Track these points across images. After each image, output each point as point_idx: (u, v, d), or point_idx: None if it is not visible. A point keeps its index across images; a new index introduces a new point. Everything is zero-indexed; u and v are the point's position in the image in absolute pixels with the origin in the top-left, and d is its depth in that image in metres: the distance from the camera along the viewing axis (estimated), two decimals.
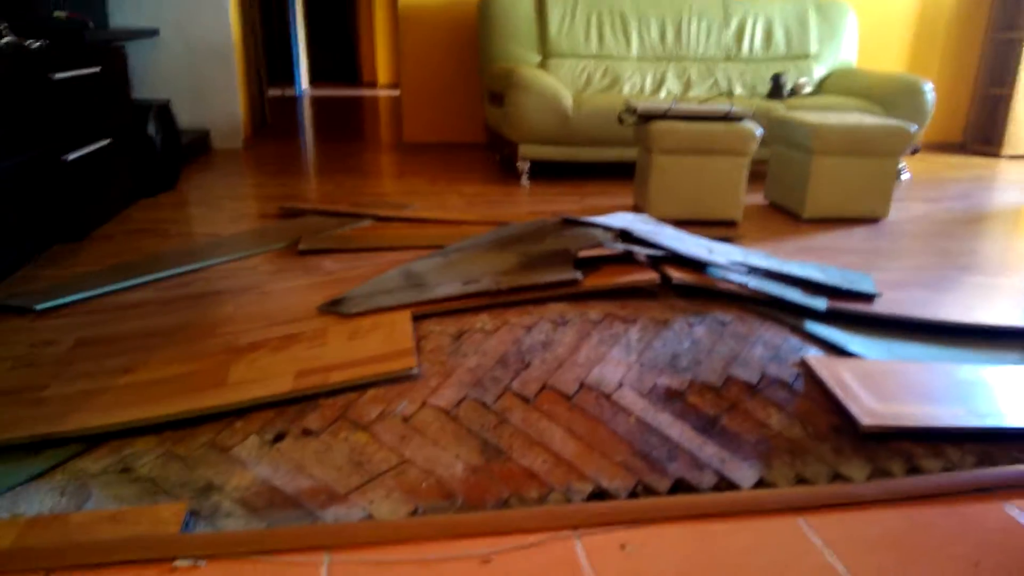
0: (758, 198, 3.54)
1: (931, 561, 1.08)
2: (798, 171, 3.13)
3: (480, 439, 1.28)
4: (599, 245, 1.74)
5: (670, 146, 2.89)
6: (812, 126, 2.97)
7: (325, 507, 1.15)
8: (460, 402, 1.34)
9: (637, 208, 3.21)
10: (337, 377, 1.35)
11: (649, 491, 1.22)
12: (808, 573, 1.05)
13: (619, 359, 1.48)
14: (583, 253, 1.75)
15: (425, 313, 1.58)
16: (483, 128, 4.87)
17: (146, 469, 1.22)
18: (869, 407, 1.39)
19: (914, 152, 4.16)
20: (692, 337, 1.57)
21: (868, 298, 1.89)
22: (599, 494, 1.21)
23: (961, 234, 3.00)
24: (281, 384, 1.35)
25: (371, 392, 1.36)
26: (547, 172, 3.95)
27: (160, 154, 3.11)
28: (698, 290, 1.76)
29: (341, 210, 2.89)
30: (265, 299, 1.80)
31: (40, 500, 1.15)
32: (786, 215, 3.24)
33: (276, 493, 1.17)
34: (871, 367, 1.53)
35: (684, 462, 1.27)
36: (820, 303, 1.74)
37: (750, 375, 1.47)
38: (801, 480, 1.28)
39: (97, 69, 2.52)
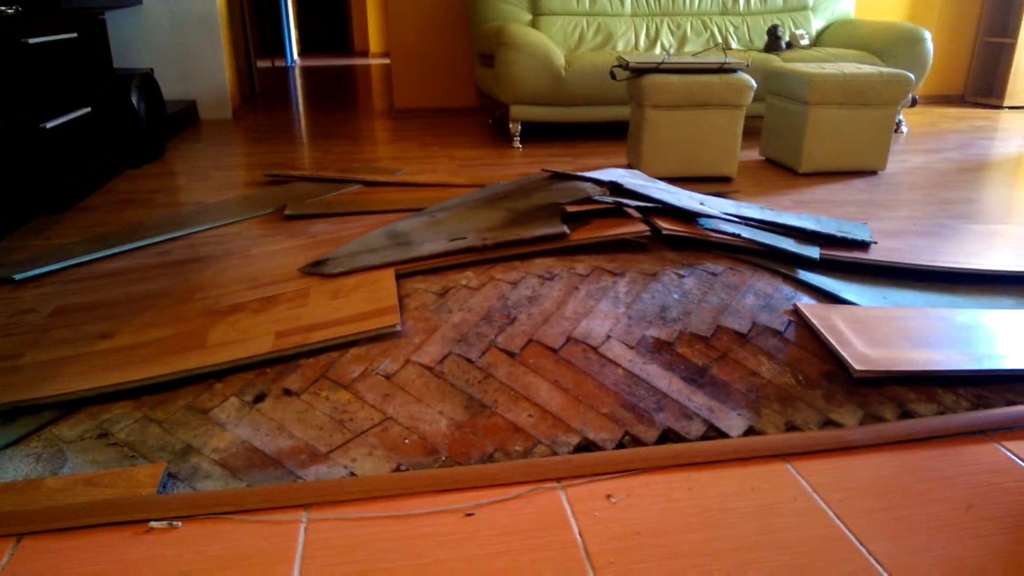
0: (753, 154, 3.48)
1: (922, 504, 1.06)
2: (794, 124, 3.07)
3: (464, 395, 1.25)
4: (588, 199, 1.70)
5: (663, 100, 2.83)
6: (808, 76, 2.90)
7: (306, 466, 1.13)
8: (444, 358, 1.31)
9: (630, 166, 3.15)
10: (318, 336, 1.33)
11: (637, 441, 1.19)
12: (796, 517, 1.03)
13: (607, 312, 1.45)
14: (571, 208, 1.71)
15: (409, 271, 1.55)
16: (474, 92, 4.79)
17: (123, 434, 1.20)
18: (862, 353, 1.36)
19: (913, 104, 4.08)
20: (682, 288, 1.54)
21: (864, 246, 1.85)
22: (586, 446, 1.18)
23: (960, 184, 2.95)
24: (261, 345, 1.32)
25: (353, 351, 1.33)
26: (539, 133, 3.88)
27: (144, 124, 3.05)
28: (689, 241, 1.73)
29: (328, 175, 2.84)
30: (248, 263, 1.77)
31: (15, 467, 1.13)
32: (782, 170, 3.19)
33: (256, 453, 1.15)
34: (864, 314, 1.50)
35: (672, 412, 1.25)
36: (813, 252, 1.71)
37: (741, 324, 1.44)
38: (792, 427, 1.26)
39: (74, 35, 2.45)
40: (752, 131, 3.92)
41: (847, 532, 0.99)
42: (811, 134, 3.01)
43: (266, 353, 1.30)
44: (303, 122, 4.39)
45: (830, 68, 3.03)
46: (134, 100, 2.97)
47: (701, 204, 1.85)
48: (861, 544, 0.97)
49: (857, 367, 1.31)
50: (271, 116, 4.55)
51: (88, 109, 2.49)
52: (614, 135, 3.88)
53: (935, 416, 1.27)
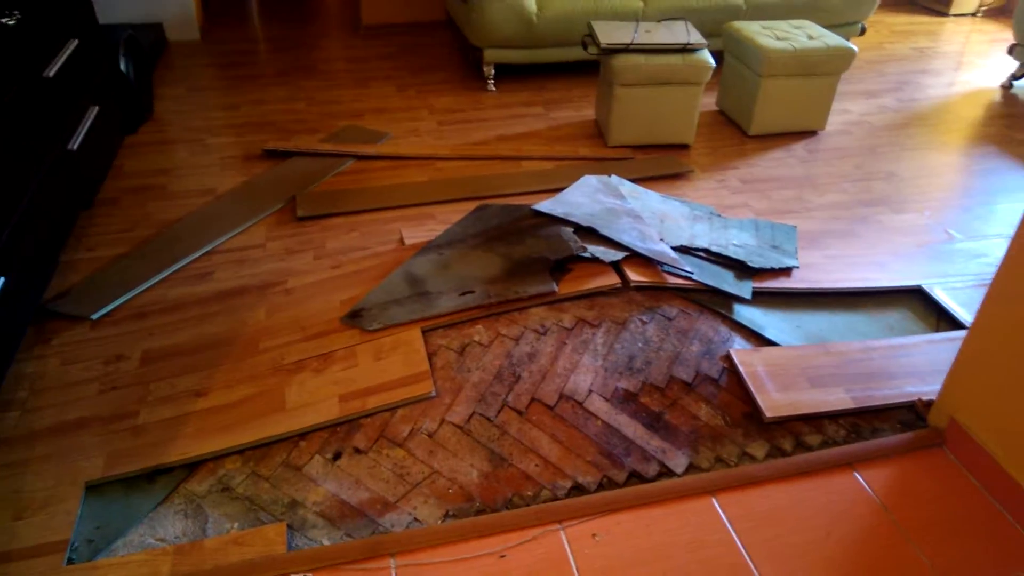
0: (710, 101, 3.77)
1: (800, 531, 1.61)
2: (748, 90, 3.37)
3: (487, 450, 1.72)
4: (571, 253, 2.08)
5: (631, 80, 3.09)
6: (763, 51, 3.17)
7: (382, 514, 1.61)
8: (470, 418, 1.77)
9: (598, 124, 3.44)
10: (373, 403, 1.76)
11: (612, 483, 1.70)
12: (715, 547, 1.57)
13: (588, 365, 1.90)
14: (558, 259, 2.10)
15: (432, 327, 1.95)
16: (442, 6, 4.81)
17: (241, 488, 1.64)
18: (772, 400, 1.86)
19: (862, 33, 4.35)
20: (645, 336, 1.99)
21: (787, 271, 2.30)
22: (577, 487, 1.69)
23: (887, 149, 3.35)
24: (329, 409, 1.75)
25: (400, 412, 1.77)
26: (512, 73, 4.06)
27: (135, 88, 3.17)
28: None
29: (324, 150, 3.08)
30: (290, 301, 2.13)
31: (172, 524, 1.58)
32: (734, 128, 3.53)
33: (345, 505, 1.62)
34: (780, 355, 1.99)
35: (636, 456, 1.75)
36: (747, 290, 2.16)
37: (687, 374, 1.92)
38: (719, 460, 1.78)
39: (75, 43, 2.54)
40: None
41: (748, 560, 1.54)
42: (762, 101, 3.33)
43: (336, 418, 1.73)
44: (269, 46, 4.41)
45: (782, 40, 3.28)
46: (123, 67, 3.07)
47: (661, 239, 2.25)
48: (756, 570, 1.52)
49: (768, 415, 1.82)
50: (237, 37, 4.54)
51: (97, 108, 2.65)
52: (583, 74, 4.08)
53: (817, 451, 1.80)
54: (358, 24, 4.82)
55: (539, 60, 3.86)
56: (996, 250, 2.58)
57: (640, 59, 3.06)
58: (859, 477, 1.75)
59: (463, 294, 2.02)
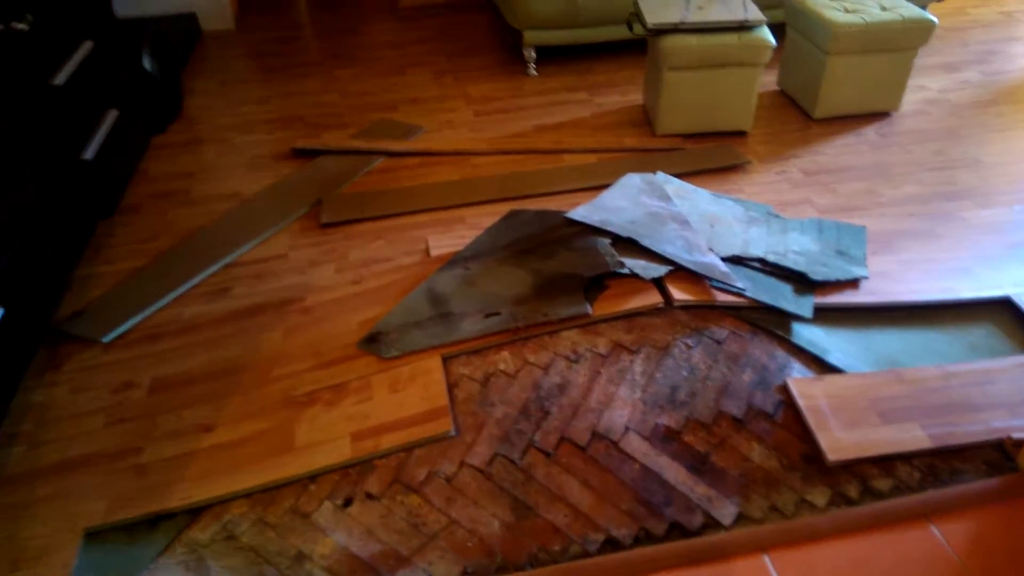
0: (771, 80, 3.47)
1: None
2: (812, 69, 3.06)
3: (511, 496, 1.56)
4: (607, 269, 1.88)
5: (681, 63, 2.83)
6: (830, 25, 2.86)
7: (395, 571, 1.47)
8: (492, 460, 1.61)
9: (646, 110, 3.20)
10: (387, 442, 1.61)
11: (649, 536, 1.52)
12: None
13: (625, 398, 1.71)
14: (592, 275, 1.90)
15: (454, 353, 1.79)
16: None
17: (246, 538, 1.53)
18: (836, 439, 1.64)
19: None
20: (690, 364, 1.79)
21: (854, 283, 2.05)
22: (610, 541, 1.51)
23: (971, 131, 3.01)
24: (341, 449, 1.62)
25: (417, 453, 1.62)
26: (554, 55, 3.82)
27: (162, 86, 3.08)
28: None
29: (354, 147, 2.93)
30: (307, 321, 2.00)
31: None
32: (797, 111, 3.22)
33: (355, 560, 1.49)
34: (845, 384, 1.76)
35: (678, 505, 1.56)
36: (807, 308, 1.92)
37: (738, 408, 1.71)
38: (773, 509, 1.58)
39: (90, 45, 2.45)
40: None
41: None
42: (828, 82, 3.02)
43: (348, 460, 1.59)
44: (305, 32, 4.28)
45: (851, 12, 2.95)
46: (148, 65, 2.98)
47: (710, 249, 2.03)
48: None
49: (831, 457, 1.60)
50: (272, 24, 4.42)
51: (117, 112, 2.56)
52: (628, 54, 3.81)
53: (888, 499, 1.58)
54: (396, 6, 4.64)
55: (582, 40, 3.61)
56: None
57: (692, 40, 2.79)
58: (936, 531, 1.53)
59: (488, 316, 1.85)
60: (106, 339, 1.99)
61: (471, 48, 3.98)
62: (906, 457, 1.64)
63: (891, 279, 2.13)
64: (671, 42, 2.80)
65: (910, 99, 3.29)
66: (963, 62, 3.67)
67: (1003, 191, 2.62)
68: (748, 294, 1.91)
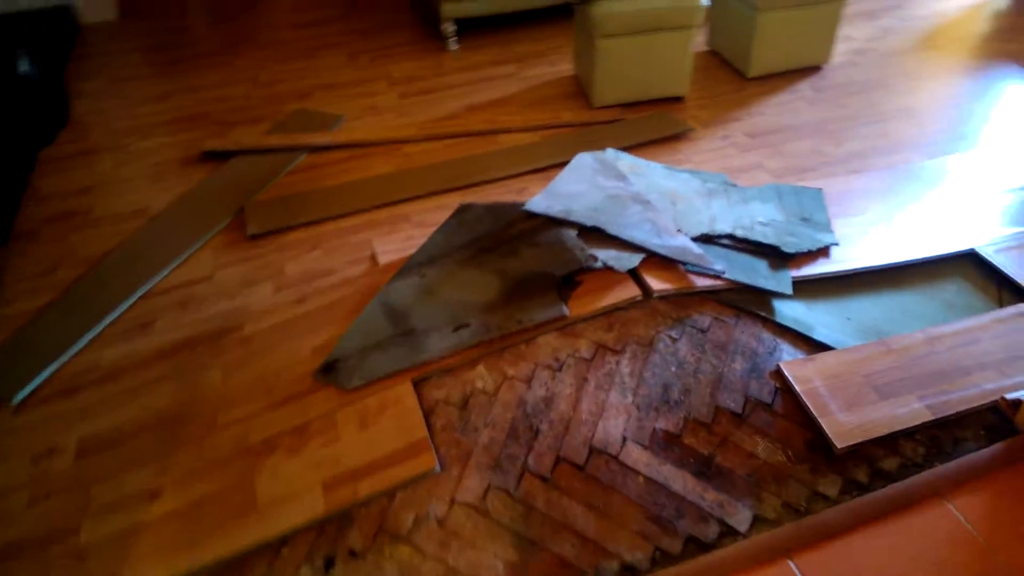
0: (700, 40, 3.37)
1: None
2: (743, 27, 2.98)
3: (511, 532, 1.42)
4: (580, 265, 1.74)
5: (613, 30, 2.69)
6: None
7: None
8: (485, 493, 1.45)
9: (579, 81, 3.05)
10: (366, 489, 1.43)
11: (666, 556, 1.41)
12: None
13: (618, 404, 1.59)
14: (564, 274, 1.76)
15: (424, 375, 1.62)
16: None
17: None
18: (839, 424, 1.57)
19: None
20: (678, 358, 1.68)
21: (825, 250, 1.99)
22: (626, 568, 1.40)
23: (896, 80, 3.01)
24: (313, 502, 1.43)
25: (400, 496, 1.45)
26: (475, 27, 3.61)
27: (46, 92, 2.71)
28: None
29: (272, 144, 2.66)
30: (249, 353, 1.78)
31: None
32: (730, 71, 3.15)
33: None
34: (836, 363, 1.69)
35: (690, 516, 1.46)
36: (786, 284, 1.84)
37: (735, 401, 1.61)
38: (786, 506, 1.50)
39: None
40: None
41: None
42: (759, 39, 2.95)
43: (322, 515, 1.41)
44: (199, 19, 3.89)
45: None
46: (26, 70, 2.60)
47: (679, 230, 1.91)
48: None
49: (839, 445, 1.53)
50: (161, 12, 4.00)
51: None
52: (551, 22, 3.64)
53: (898, 481, 1.52)
54: None
55: (503, 10, 3.41)
56: None
57: (623, 5, 2.65)
58: (953, 509, 1.48)
59: (457, 329, 1.68)
60: (15, 400, 1.71)
61: (385, 24, 3.71)
62: (909, 433, 1.59)
63: (855, 242, 2.08)
64: (603, 8, 2.65)
65: (838, 51, 3.27)
66: (881, 8, 3.68)
67: (940, 140, 2.62)
68: (726, 276, 1.81)
